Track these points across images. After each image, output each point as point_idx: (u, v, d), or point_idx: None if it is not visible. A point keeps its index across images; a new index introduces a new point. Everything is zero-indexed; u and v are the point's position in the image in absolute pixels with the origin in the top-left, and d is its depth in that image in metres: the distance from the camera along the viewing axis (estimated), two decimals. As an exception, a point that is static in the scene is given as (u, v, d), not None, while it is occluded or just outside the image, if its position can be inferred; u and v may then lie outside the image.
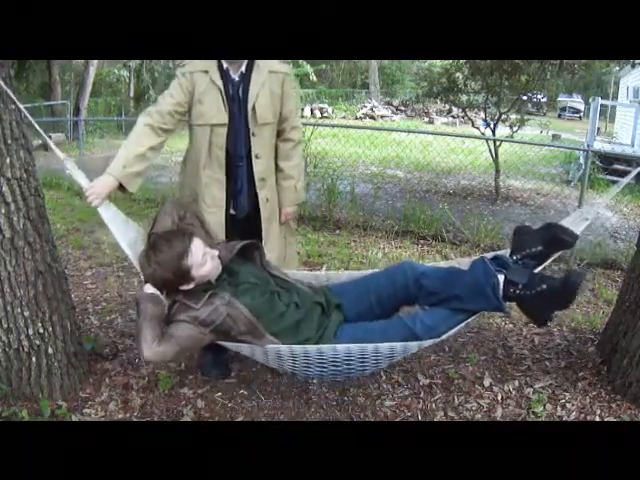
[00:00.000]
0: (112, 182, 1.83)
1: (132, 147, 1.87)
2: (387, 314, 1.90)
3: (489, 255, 1.90)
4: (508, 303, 1.77)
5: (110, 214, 1.85)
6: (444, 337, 1.77)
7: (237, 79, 1.95)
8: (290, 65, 2.11)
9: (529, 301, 1.71)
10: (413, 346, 1.74)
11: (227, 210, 2.04)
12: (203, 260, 1.72)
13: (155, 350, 1.61)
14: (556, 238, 1.83)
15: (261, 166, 2.03)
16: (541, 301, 1.69)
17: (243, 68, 1.94)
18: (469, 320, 1.80)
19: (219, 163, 1.98)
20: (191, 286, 1.74)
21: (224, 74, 1.93)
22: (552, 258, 1.87)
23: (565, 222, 1.99)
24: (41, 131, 1.89)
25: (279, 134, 2.08)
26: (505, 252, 1.95)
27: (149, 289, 1.71)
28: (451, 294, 1.75)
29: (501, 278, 1.71)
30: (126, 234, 1.87)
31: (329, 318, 1.83)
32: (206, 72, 1.90)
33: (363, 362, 1.75)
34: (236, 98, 1.95)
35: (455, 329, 1.77)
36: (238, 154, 2.00)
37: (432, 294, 1.79)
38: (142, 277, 1.77)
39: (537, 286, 1.69)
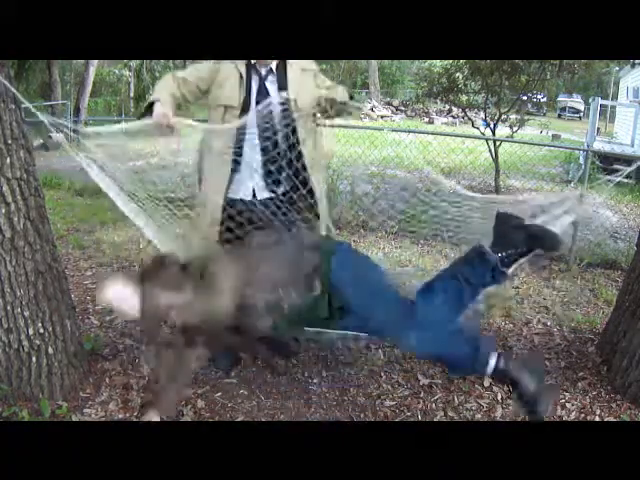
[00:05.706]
0: (162, 105, 1.89)
1: (162, 87, 1.97)
2: None
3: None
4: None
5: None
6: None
7: (264, 73, 2.01)
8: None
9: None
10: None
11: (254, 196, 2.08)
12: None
13: None
14: (541, 243, 1.81)
15: (307, 149, 2.06)
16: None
17: (273, 65, 2.02)
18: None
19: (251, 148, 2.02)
20: None
21: (251, 66, 1.99)
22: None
23: (553, 225, 1.94)
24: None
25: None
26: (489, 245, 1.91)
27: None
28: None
29: (492, 362, 1.67)
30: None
31: None
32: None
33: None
34: (263, 91, 2.00)
35: None
36: (278, 143, 2.02)
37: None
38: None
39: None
